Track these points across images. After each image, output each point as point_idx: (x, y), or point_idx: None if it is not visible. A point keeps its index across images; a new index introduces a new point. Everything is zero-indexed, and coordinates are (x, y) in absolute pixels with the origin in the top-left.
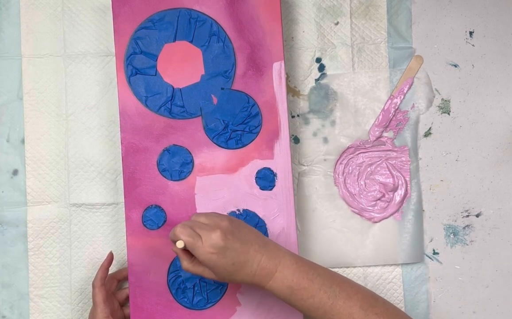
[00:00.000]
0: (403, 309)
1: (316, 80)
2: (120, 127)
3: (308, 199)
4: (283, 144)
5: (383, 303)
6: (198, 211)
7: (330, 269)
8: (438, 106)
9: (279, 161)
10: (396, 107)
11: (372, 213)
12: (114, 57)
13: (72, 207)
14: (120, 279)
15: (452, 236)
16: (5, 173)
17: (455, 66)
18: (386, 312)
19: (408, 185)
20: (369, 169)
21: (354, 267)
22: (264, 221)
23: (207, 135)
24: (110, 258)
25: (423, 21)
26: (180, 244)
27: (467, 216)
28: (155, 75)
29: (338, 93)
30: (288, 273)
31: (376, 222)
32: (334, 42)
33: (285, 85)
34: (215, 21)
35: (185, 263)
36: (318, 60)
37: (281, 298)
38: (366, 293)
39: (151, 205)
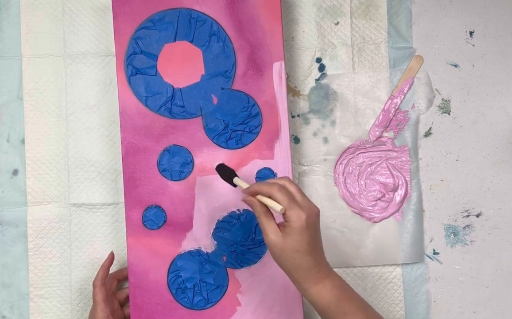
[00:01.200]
0: (403, 309)
1: (316, 80)
2: (120, 127)
3: None
4: (283, 144)
5: None
6: (198, 211)
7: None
8: (438, 106)
9: (279, 161)
10: (396, 107)
11: (372, 213)
12: (114, 57)
13: (72, 207)
14: (120, 279)
15: (452, 236)
16: (5, 173)
17: (455, 66)
18: None
19: (408, 185)
20: (369, 169)
21: (354, 267)
22: None
23: (207, 135)
24: (111, 258)
25: (423, 21)
26: (281, 210)
27: (467, 216)
28: (155, 75)
29: (338, 93)
30: (337, 282)
31: (376, 222)
32: (334, 42)
33: (285, 85)
34: (215, 21)
35: (259, 208)
36: (318, 60)
37: (323, 305)
38: None
39: (151, 205)
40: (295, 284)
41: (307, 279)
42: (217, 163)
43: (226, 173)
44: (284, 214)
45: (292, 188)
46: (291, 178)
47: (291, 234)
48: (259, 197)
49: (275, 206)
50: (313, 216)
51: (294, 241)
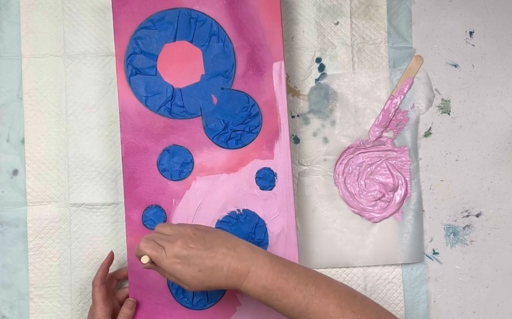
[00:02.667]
0: (403, 309)
1: (316, 80)
2: (120, 127)
3: (308, 199)
4: (283, 144)
5: (362, 300)
6: (198, 211)
7: (330, 269)
8: (438, 106)
9: (279, 161)
10: (396, 107)
11: (372, 213)
12: (114, 57)
13: (72, 207)
14: (120, 278)
15: (452, 236)
16: (5, 173)
17: (455, 66)
18: (364, 310)
19: (408, 185)
20: (369, 169)
21: (354, 267)
22: (264, 221)
23: (207, 135)
24: (111, 257)
25: (423, 21)
26: (145, 259)
27: (467, 216)
28: (155, 75)
29: (338, 93)
30: (262, 273)
31: (376, 222)
32: (334, 42)
33: (285, 85)
34: (215, 21)
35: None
36: (318, 60)
37: (257, 298)
38: (344, 290)
39: (151, 205)
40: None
41: (232, 286)
42: None
43: None
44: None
45: (156, 234)
46: (291, 178)
47: (183, 278)
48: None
49: (142, 259)
50: (180, 251)
51: (189, 281)
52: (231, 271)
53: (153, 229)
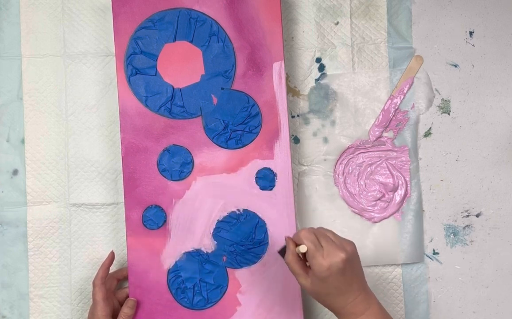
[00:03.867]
0: (403, 309)
1: (316, 80)
2: (120, 127)
3: (308, 199)
4: (283, 144)
5: None
6: (198, 211)
7: None
8: (438, 106)
9: (279, 161)
10: (396, 107)
11: (372, 213)
12: (114, 57)
13: (72, 207)
14: (120, 278)
15: (452, 236)
16: (5, 173)
17: (455, 66)
18: None
19: (408, 185)
20: (369, 169)
21: None
22: (264, 221)
23: (207, 135)
24: (112, 257)
25: (423, 21)
26: (303, 249)
27: (467, 216)
28: (155, 75)
29: (338, 93)
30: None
31: (376, 222)
32: (334, 42)
33: (285, 85)
34: (215, 21)
35: (290, 257)
36: (318, 60)
37: None
38: None
39: (151, 205)
40: (336, 315)
41: (341, 315)
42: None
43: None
44: (310, 264)
45: (322, 232)
46: (291, 178)
47: (316, 281)
48: (292, 248)
49: (300, 249)
50: (338, 262)
51: (320, 287)
52: (352, 306)
53: (153, 229)
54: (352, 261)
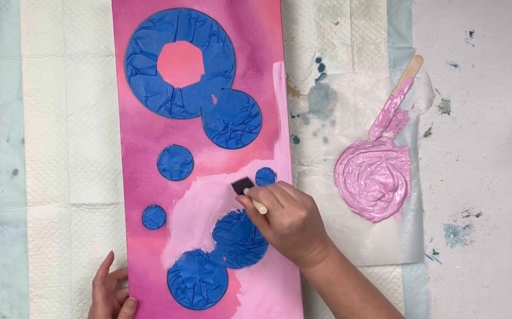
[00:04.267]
0: (403, 309)
1: (316, 80)
2: (120, 127)
3: None
4: (283, 144)
5: None
6: (198, 211)
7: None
8: (438, 106)
9: (279, 161)
10: (396, 107)
11: (372, 213)
12: (114, 57)
13: (72, 207)
14: (120, 278)
15: (452, 236)
16: (5, 173)
17: (455, 66)
18: None
19: (408, 185)
20: (369, 169)
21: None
22: None
23: (207, 135)
24: (111, 257)
25: (423, 21)
26: (263, 211)
27: (467, 216)
28: (155, 75)
29: (338, 93)
30: (331, 266)
31: (376, 222)
32: (334, 42)
33: (285, 85)
34: (215, 21)
35: (250, 213)
36: (318, 60)
37: (316, 286)
38: (395, 311)
39: (151, 205)
40: (296, 265)
41: (300, 264)
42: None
43: (241, 186)
44: (270, 221)
45: (281, 190)
46: (291, 178)
47: (276, 236)
48: (253, 202)
49: (259, 207)
50: (298, 220)
51: (281, 241)
52: (311, 256)
53: (153, 229)
54: (311, 218)
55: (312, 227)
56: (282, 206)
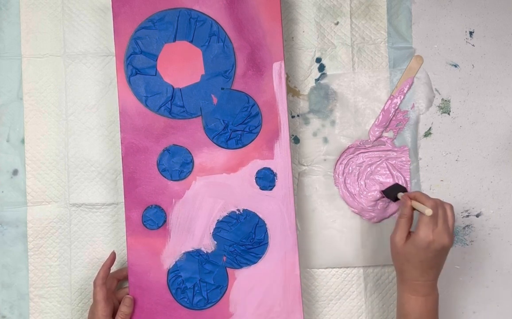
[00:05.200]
0: None
1: (316, 80)
2: (120, 127)
3: (308, 199)
4: (283, 144)
5: None
6: (198, 211)
7: (330, 269)
8: (438, 106)
9: (279, 161)
10: (396, 107)
11: (372, 213)
12: (114, 57)
13: (72, 207)
14: (120, 278)
15: None
16: (5, 173)
17: (455, 66)
18: None
19: (408, 185)
20: (369, 169)
21: (354, 267)
22: (264, 221)
23: (207, 135)
24: (113, 257)
25: (423, 21)
26: (428, 212)
27: (467, 216)
28: (155, 75)
29: (338, 93)
30: (429, 305)
31: (376, 222)
32: (334, 42)
33: (285, 85)
34: (215, 21)
35: (406, 210)
36: (318, 60)
37: (405, 312)
38: None
39: (151, 205)
40: (397, 279)
41: (406, 285)
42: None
43: (395, 191)
44: (417, 227)
45: (445, 211)
46: (291, 178)
47: (411, 244)
48: (413, 202)
49: (424, 209)
50: (440, 244)
51: (410, 252)
52: (419, 284)
53: (153, 229)
54: (445, 252)
55: (440, 259)
56: (437, 224)
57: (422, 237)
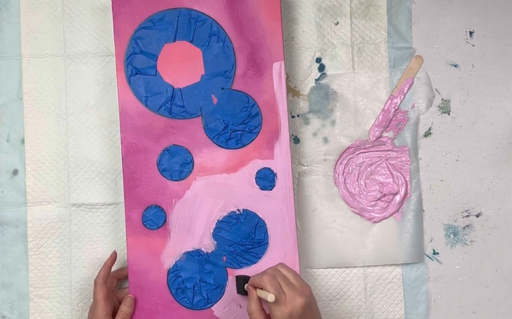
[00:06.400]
0: (403, 309)
1: (316, 80)
2: (120, 127)
3: (308, 199)
4: (283, 144)
5: None
6: (198, 211)
7: (330, 269)
8: (438, 106)
9: (279, 161)
10: (396, 107)
11: (372, 213)
12: (114, 57)
13: (72, 207)
14: (120, 278)
15: (452, 236)
16: (5, 173)
17: (455, 66)
18: None
19: (408, 185)
20: (369, 169)
21: (354, 267)
22: (264, 221)
23: (207, 135)
24: (114, 257)
25: (423, 21)
26: (271, 298)
27: (467, 216)
28: (155, 75)
29: (338, 93)
30: None
31: (376, 222)
32: (334, 42)
33: (285, 85)
34: (215, 21)
35: (254, 306)
36: (318, 60)
37: None
38: None
39: (151, 205)
40: None
41: None
42: (236, 276)
43: (241, 282)
44: (271, 311)
45: (282, 275)
46: (291, 178)
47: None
48: (258, 292)
49: (266, 296)
50: (299, 307)
51: None
52: None
53: (153, 229)
54: (310, 305)
55: (311, 314)
56: (284, 293)
57: (279, 315)
